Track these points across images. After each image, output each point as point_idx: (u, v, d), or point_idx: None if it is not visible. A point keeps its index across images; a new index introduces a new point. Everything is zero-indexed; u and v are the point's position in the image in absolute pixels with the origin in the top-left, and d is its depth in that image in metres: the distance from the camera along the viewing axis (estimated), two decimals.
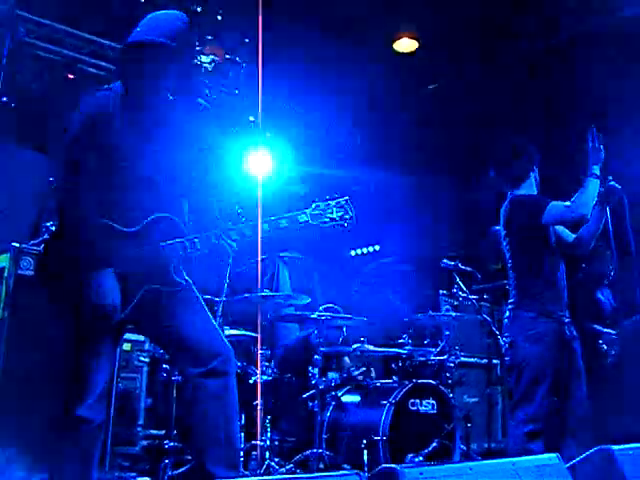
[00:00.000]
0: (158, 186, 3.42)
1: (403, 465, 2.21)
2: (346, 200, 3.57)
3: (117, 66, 3.75)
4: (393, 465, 2.19)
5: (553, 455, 2.95)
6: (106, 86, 3.51)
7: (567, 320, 4.77)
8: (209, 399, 3.28)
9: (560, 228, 4.87)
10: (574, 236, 4.89)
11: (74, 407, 3.27)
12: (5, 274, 5.12)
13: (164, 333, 3.43)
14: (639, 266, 5.41)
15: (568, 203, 4.63)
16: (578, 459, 3.28)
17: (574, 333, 4.81)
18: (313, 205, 3.54)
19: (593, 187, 4.63)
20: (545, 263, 4.75)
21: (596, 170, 4.65)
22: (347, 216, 3.54)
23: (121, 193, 3.36)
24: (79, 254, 3.23)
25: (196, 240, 3.38)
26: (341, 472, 2.02)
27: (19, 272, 5.10)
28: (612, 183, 4.69)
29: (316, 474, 2.46)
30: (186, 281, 3.47)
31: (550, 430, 4.55)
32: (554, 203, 4.67)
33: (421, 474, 2.23)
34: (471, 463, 2.53)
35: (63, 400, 3.35)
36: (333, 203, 3.54)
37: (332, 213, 3.51)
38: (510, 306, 4.87)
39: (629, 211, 4.77)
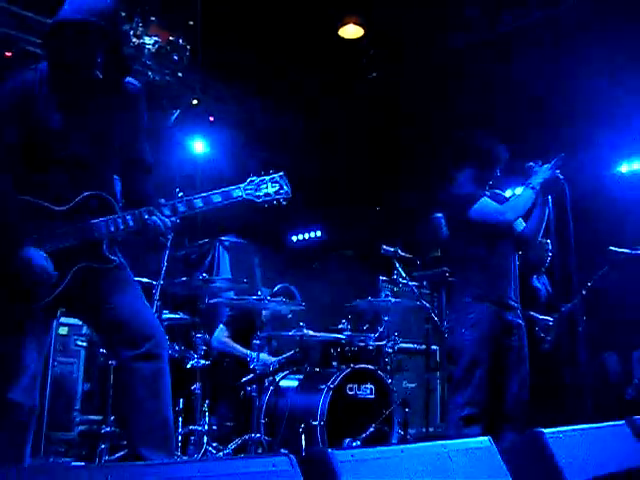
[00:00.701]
0: (89, 165, 3.36)
1: (335, 448, 2.22)
2: (281, 175, 3.55)
3: (44, 45, 3.65)
4: (324, 448, 2.18)
5: (485, 438, 2.97)
6: (32, 66, 3.43)
7: (509, 304, 4.80)
8: (142, 383, 3.23)
9: None
10: (522, 227, 4.92)
11: (4, 391, 3.20)
12: None
13: (96, 314, 3.38)
14: (577, 254, 5.51)
15: (494, 205, 4.68)
16: (510, 442, 3.33)
17: (517, 317, 4.84)
18: (247, 180, 3.50)
19: (528, 197, 4.67)
20: (481, 248, 4.78)
21: (536, 184, 4.69)
22: (282, 191, 3.52)
23: (50, 172, 3.30)
24: (6, 232, 3.17)
25: (128, 217, 3.33)
26: (271, 454, 2.00)
27: None
28: (556, 172, 4.73)
29: (245, 456, 2.45)
30: (120, 261, 3.42)
31: (487, 414, 4.60)
32: (486, 201, 4.70)
33: (352, 456, 2.23)
34: (403, 446, 2.54)
35: None
36: (268, 178, 3.52)
37: (267, 188, 3.49)
38: (451, 292, 4.91)
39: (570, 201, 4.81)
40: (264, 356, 6.25)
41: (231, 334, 6.82)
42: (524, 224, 4.93)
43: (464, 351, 4.66)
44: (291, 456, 2.03)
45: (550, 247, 6.58)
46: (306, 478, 2.03)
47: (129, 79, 3.54)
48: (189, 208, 3.41)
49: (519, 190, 5.00)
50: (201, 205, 3.42)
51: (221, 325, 6.89)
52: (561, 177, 4.74)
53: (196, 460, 1.80)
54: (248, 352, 6.09)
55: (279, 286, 7.05)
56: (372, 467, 2.29)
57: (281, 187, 3.52)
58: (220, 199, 3.45)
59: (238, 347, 6.67)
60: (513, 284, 4.85)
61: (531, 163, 4.82)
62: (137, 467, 1.74)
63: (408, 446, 2.56)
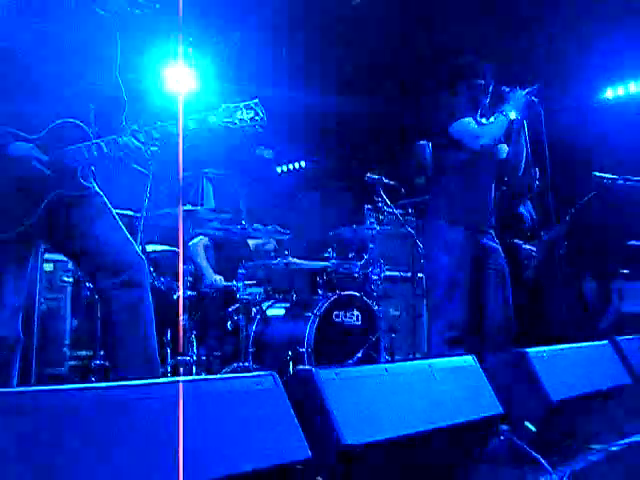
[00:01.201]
0: (62, 92, 3.30)
1: (319, 366, 2.23)
2: (256, 103, 3.50)
3: None
4: (308, 367, 2.20)
5: (469, 357, 3.01)
6: None
7: (484, 229, 4.80)
8: (124, 311, 3.22)
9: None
10: (504, 153, 4.90)
11: None
12: None
13: (73, 244, 3.35)
14: (563, 182, 5.51)
15: (476, 127, 4.64)
16: (494, 361, 3.36)
17: (492, 241, 4.84)
18: (222, 106, 3.46)
19: (501, 123, 4.63)
20: (458, 171, 4.75)
21: (509, 110, 4.64)
22: (257, 117, 3.47)
23: (21, 99, 3.23)
24: None
25: (102, 143, 3.29)
26: (256, 373, 2.01)
27: None
28: (532, 98, 4.69)
29: (229, 376, 2.46)
30: (95, 188, 3.38)
31: (470, 337, 4.63)
32: (467, 121, 4.65)
33: (337, 374, 2.25)
34: (387, 365, 2.56)
35: None
36: (242, 105, 3.48)
37: (242, 114, 3.45)
38: (426, 217, 4.90)
39: (545, 126, 4.78)
40: (250, 284, 6.25)
41: (214, 261, 6.81)
42: (506, 150, 4.91)
43: (441, 274, 4.67)
44: (275, 374, 2.05)
45: (537, 174, 6.56)
46: (290, 396, 2.05)
47: (104, 7, 3.46)
48: (163, 134, 3.37)
49: (494, 117, 4.95)
50: (176, 131, 3.38)
51: (201, 236, 6.84)
52: (536, 100, 4.69)
53: (181, 380, 1.80)
54: (233, 282, 6.07)
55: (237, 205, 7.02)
56: (356, 385, 2.31)
57: (256, 113, 3.48)
58: (195, 125, 3.41)
59: (206, 268, 6.66)
60: (489, 209, 4.85)
61: (506, 88, 4.77)
62: (120, 386, 1.74)
63: (392, 365, 2.58)
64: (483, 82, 4.81)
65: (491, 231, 4.87)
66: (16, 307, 3.26)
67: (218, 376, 2.24)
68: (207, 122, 3.43)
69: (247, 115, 3.46)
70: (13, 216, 3.16)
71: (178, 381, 1.79)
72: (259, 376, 2.04)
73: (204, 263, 6.67)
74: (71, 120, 3.30)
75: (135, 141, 3.31)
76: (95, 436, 1.59)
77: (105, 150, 3.28)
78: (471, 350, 4.46)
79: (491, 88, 4.83)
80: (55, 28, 3.33)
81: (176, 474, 1.64)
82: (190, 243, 6.68)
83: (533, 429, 3.16)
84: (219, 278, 6.45)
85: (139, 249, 3.51)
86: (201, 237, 6.81)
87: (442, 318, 4.64)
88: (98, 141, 3.30)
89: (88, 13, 3.43)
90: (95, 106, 3.48)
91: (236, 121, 3.46)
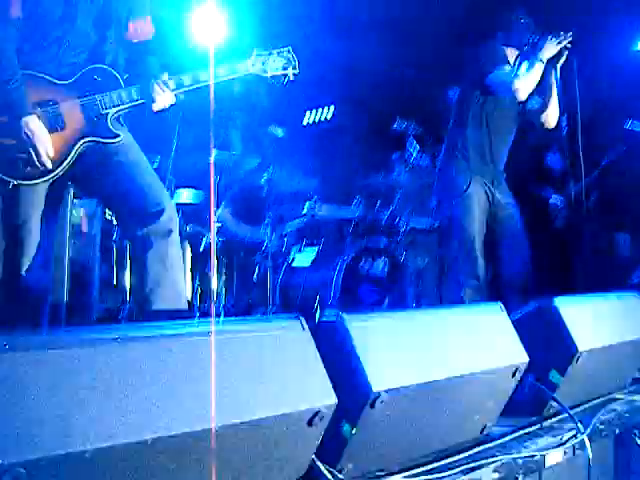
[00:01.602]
0: (93, 37, 3.29)
1: (345, 313, 2.23)
2: (288, 50, 3.47)
3: None
4: (335, 313, 2.20)
5: (496, 305, 2.99)
6: None
7: (499, 179, 4.75)
8: (154, 257, 3.23)
9: None
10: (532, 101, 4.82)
11: (18, 270, 3.22)
12: None
13: (105, 190, 3.36)
14: (594, 135, 5.43)
15: (512, 77, 4.56)
16: (521, 310, 3.35)
17: (506, 192, 4.79)
18: (254, 54, 3.43)
19: (535, 75, 4.55)
20: (481, 122, 4.70)
21: (542, 61, 4.55)
22: (289, 66, 3.46)
23: (52, 45, 3.22)
24: (6, 103, 3.12)
25: (133, 90, 3.28)
26: (283, 317, 2.02)
27: None
28: (565, 46, 4.60)
29: (257, 317, 2.47)
30: (126, 134, 3.38)
31: (488, 287, 4.62)
32: (504, 71, 4.59)
33: (363, 321, 2.25)
34: (414, 311, 2.57)
35: (4, 266, 3.28)
36: (275, 52, 3.45)
37: (274, 62, 3.43)
38: (438, 165, 4.87)
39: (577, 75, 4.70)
40: (278, 232, 6.24)
41: (236, 212, 6.80)
42: (534, 98, 4.83)
43: (456, 225, 4.65)
44: (302, 319, 2.05)
45: (565, 123, 6.46)
46: (317, 340, 2.05)
47: None
48: (194, 81, 3.36)
49: (525, 65, 4.87)
50: (207, 79, 3.36)
51: (222, 205, 6.84)
52: (568, 48, 4.61)
53: (209, 324, 1.81)
54: (261, 230, 6.07)
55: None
56: (383, 332, 2.31)
57: (288, 62, 3.46)
58: (226, 72, 3.39)
59: (243, 226, 6.66)
60: (505, 160, 4.80)
61: (539, 36, 4.68)
62: (148, 325, 1.75)
63: (419, 312, 2.58)
64: (520, 31, 4.73)
65: (504, 182, 4.82)
66: (47, 255, 3.29)
67: (246, 321, 2.24)
68: (238, 70, 3.41)
69: (280, 63, 3.44)
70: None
71: (207, 325, 1.79)
72: (287, 321, 2.04)
73: (244, 228, 6.65)
74: (102, 66, 3.29)
75: (166, 87, 3.29)
76: (128, 378, 1.60)
77: (135, 96, 3.28)
78: (489, 301, 4.48)
79: (527, 36, 4.74)
80: None
81: (206, 417, 1.66)
82: (217, 214, 6.68)
83: (559, 378, 3.15)
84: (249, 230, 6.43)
85: (169, 195, 3.51)
86: (222, 206, 6.79)
87: (459, 268, 4.62)
88: (129, 87, 3.30)
89: None
90: (125, 52, 3.46)
91: (267, 69, 3.43)
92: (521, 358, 2.85)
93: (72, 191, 4.17)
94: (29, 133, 3.09)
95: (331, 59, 9.51)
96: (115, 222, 6.10)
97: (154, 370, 1.63)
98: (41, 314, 3.35)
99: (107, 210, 6.06)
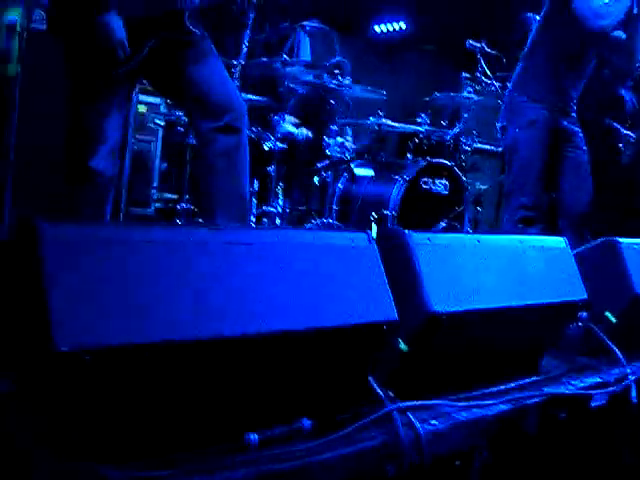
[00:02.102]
0: None
1: (412, 230, 2.21)
2: None
3: None
4: (401, 228, 2.19)
5: (561, 239, 2.95)
6: None
7: (567, 110, 4.62)
8: (220, 154, 3.25)
9: None
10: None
11: (86, 159, 3.24)
12: (17, 27, 4.96)
13: (176, 85, 3.36)
14: None
15: (601, 4, 4.36)
16: (584, 247, 3.30)
17: (573, 125, 4.67)
18: None
19: (623, 5, 4.34)
20: (560, 43, 4.54)
21: None
22: None
23: None
24: None
25: None
26: (350, 230, 2.01)
27: (32, 26, 4.93)
28: None
29: (324, 229, 2.47)
30: (202, 32, 3.35)
31: (546, 219, 4.55)
32: None
33: (429, 240, 2.23)
34: (479, 235, 2.54)
35: (75, 152, 3.32)
36: None
37: None
38: (508, 89, 4.74)
39: None
40: (341, 142, 6.19)
41: (301, 120, 6.75)
42: (621, 34, 4.64)
43: (518, 152, 4.55)
44: (369, 233, 2.04)
45: None
46: (382, 255, 2.04)
47: None
48: None
49: None
50: None
51: (286, 115, 6.80)
52: None
53: (277, 227, 1.81)
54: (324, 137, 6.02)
55: (334, 60, 6.89)
56: (447, 251, 2.30)
57: None
58: None
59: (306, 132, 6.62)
60: (579, 90, 4.66)
61: None
62: (215, 228, 1.76)
63: (485, 236, 2.55)
64: None
65: (574, 114, 4.69)
66: (115, 143, 3.31)
67: (312, 229, 2.24)
68: None
69: None
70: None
71: (276, 229, 1.79)
72: (353, 233, 2.03)
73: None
74: None
75: None
76: (190, 273, 1.62)
77: None
78: (545, 232, 4.41)
79: None
80: None
81: (268, 319, 1.67)
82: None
83: (613, 320, 3.12)
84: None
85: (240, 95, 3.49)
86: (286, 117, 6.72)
87: (517, 197, 4.54)
88: None
89: None
90: None
91: None
92: (580, 295, 2.82)
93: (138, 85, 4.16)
94: (107, 29, 3.07)
95: None
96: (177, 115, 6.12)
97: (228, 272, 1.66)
98: (105, 201, 3.39)
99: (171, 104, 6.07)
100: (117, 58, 3.12)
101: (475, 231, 6.32)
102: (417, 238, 2.20)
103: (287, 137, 5.97)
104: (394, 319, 1.97)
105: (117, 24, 3.10)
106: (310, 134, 6.39)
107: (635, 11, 4.44)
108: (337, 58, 7.05)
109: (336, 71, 6.31)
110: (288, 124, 6.13)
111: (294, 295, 1.76)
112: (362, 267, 1.99)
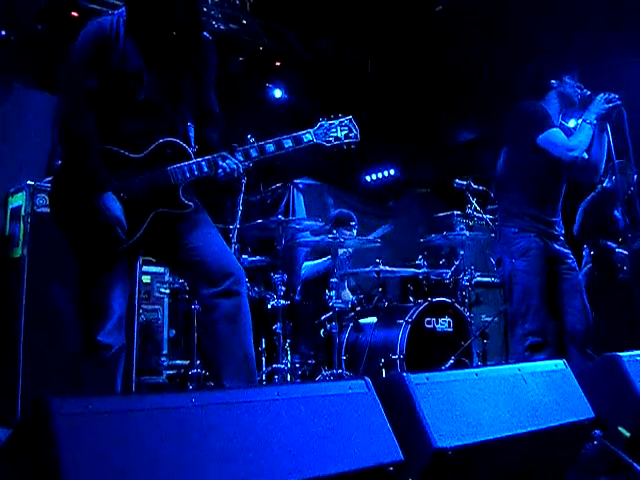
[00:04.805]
0: (163, 112, 3.44)
1: (410, 372, 2.29)
2: (350, 119, 3.59)
3: None
4: (399, 371, 2.26)
5: (560, 361, 3.01)
6: (111, 11, 3.51)
7: (555, 234, 4.75)
8: (222, 319, 3.32)
9: None
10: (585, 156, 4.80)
11: (93, 333, 3.34)
12: (22, 212, 5.22)
13: (176, 255, 3.48)
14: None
15: (566, 139, 4.59)
16: (585, 366, 3.34)
17: (564, 247, 4.79)
18: (317, 124, 3.55)
19: (587, 132, 4.57)
20: (531, 178, 4.72)
21: (592, 119, 4.58)
22: (351, 134, 3.57)
23: (126, 119, 3.38)
24: (84, 180, 3.28)
25: (202, 163, 3.42)
26: (348, 378, 2.09)
27: (36, 210, 5.19)
28: (615, 103, 4.60)
29: (323, 380, 2.53)
30: (196, 204, 3.52)
31: (551, 342, 4.60)
32: (557, 132, 4.61)
33: (427, 379, 2.31)
34: (477, 369, 2.60)
35: (82, 327, 3.43)
36: (337, 122, 3.57)
37: (336, 132, 3.55)
38: (497, 222, 4.89)
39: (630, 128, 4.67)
40: (342, 294, 6.33)
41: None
42: (586, 154, 4.81)
43: (516, 281, 4.65)
44: (367, 379, 2.12)
45: (635, 179, 6.38)
46: (382, 400, 2.11)
47: (203, 29, 3.60)
48: (261, 153, 3.48)
49: (572, 122, 4.89)
50: (273, 150, 3.48)
51: (304, 264, 6.96)
52: (616, 96, 4.59)
53: (275, 384, 1.89)
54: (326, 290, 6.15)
55: (335, 212, 7.12)
56: (447, 389, 2.36)
57: (350, 130, 3.58)
58: (291, 144, 3.51)
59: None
60: (559, 214, 4.81)
61: (587, 92, 4.71)
62: (219, 391, 1.84)
63: (482, 369, 2.62)
64: (570, 86, 4.76)
65: (561, 237, 4.83)
66: (121, 315, 3.43)
67: (313, 382, 2.31)
68: (303, 140, 3.52)
69: (342, 133, 3.56)
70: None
71: (275, 386, 1.87)
72: (352, 381, 2.11)
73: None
74: (173, 139, 3.44)
75: (234, 160, 3.43)
76: (199, 434, 1.69)
77: (205, 169, 3.41)
78: (553, 356, 4.46)
79: (576, 91, 4.77)
80: (162, 51, 3.47)
81: (275, 473, 1.73)
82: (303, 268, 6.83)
83: (627, 434, 3.13)
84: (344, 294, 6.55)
85: (237, 260, 3.62)
86: (304, 265, 6.92)
87: (520, 326, 4.61)
88: (198, 160, 3.43)
89: (194, 39, 3.56)
90: (195, 124, 3.61)
91: (331, 139, 3.55)
92: (586, 414, 2.85)
93: (141, 257, 4.34)
94: (104, 209, 3.25)
95: (390, 123, 9.69)
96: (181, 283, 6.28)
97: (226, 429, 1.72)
98: (115, 372, 3.46)
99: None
100: (116, 238, 3.28)
101: (484, 364, 6.34)
102: (416, 379, 2.27)
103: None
104: (399, 459, 2.02)
105: (115, 205, 3.27)
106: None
107: (597, 130, 4.64)
108: (337, 212, 7.26)
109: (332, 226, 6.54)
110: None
111: (299, 447, 1.83)
112: (363, 412, 2.06)
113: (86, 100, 3.33)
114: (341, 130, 3.56)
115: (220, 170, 3.42)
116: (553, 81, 4.76)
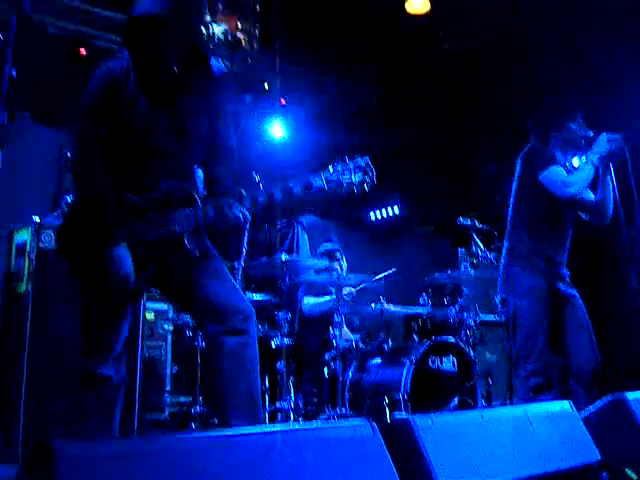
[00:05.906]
0: (172, 155, 3.43)
1: (415, 414, 2.28)
2: (367, 162, 3.35)
3: (123, 40, 3.68)
4: (405, 414, 2.25)
5: (565, 403, 3.00)
6: (117, 54, 3.51)
7: (560, 274, 4.75)
8: (227, 356, 3.28)
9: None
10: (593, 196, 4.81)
11: (94, 366, 3.34)
12: (27, 248, 5.23)
13: (182, 294, 3.48)
14: None
15: (566, 175, 4.61)
16: (591, 407, 3.32)
17: (569, 287, 4.78)
18: (330, 169, 3.35)
19: (588, 172, 4.59)
20: (536, 217, 4.73)
21: (595, 159, 4.61)
22: (367, 178, 3.34)
23: (134, 164, 3.37)
24: (96, 228, 3.26)
25: (209, 209, 3.36)
26: (352, 421, 2.08)
27: (40, 246, 5.19)
28: (618, 144, 4.60)
29: (326, 423, 2.52)
30: (204, 240, 3.50)
31: (556, 383, 4.58)
32: (558, 168, 4.64)
33: (432, 422, 2.30)
34: (482, 411, 2.59)
35: (83, 360, 3.42)
36: (352, 166, 3.34)
37: (351, 177, 3.32)
38: (501, 262, 4.89)
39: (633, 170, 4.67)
40: (346, 332, 6.32)
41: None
42: (592, 194, 4.82)
43: (521, 321, 4.64)
44: (372, 422, 2.10)
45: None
46: (387, 443, 2.10)
47: (213, 62, 3.57)
48: (269, 200, 3.40)
49: (576, 161, 4.92)
50: (281, 197, 3.38)
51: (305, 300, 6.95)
52: (621, 145, 4.59)
53: (278, 429, 1.87)
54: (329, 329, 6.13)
55: (321, 248, 7.13)
56: (453, 432, 2.35)
57: (365, 173, 3.33)
58: (301, 191, 3.37)
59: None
60: (565, 254, 4.81)
61: (591, 132, 4.73)
62: (220, 435, 1.83)
63: (488, 411, 2.61)
64: (573, 132, 4.79)
65: (567, 278, 4.83)
66: (121, 350, 3.42)
67: (315, 424, 2.29)
68: (314, 186, 3.36)
69: (356, 177, 3.33)
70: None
71: (276, 430, 1.86)
72: (356, 423, 2.10)
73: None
74: (181, 185, 3.43)
75: (241, 207, 3.38)
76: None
77: (211, 216, 3.38)
78: (559, 397, 4.43)
79: (580, 134, 4.79)
80: (169, 92, 3.48)
81: None
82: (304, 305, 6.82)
83: (634, 477, 3.10)
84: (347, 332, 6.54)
85: (246, 299, 3.59)
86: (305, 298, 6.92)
87: (524, 367, 4.60)
88: (205, 207, 3.39)
89: (202, 71, 3.57)
90: (207, 160, 3.60)
91: (344, 183, 3.34)
92: (592, 456, 2.83)
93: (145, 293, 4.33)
94: (117, 261, 3.23)
95: (395, 160, 9.70)
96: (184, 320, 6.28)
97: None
98: (115, 407, 3.45)
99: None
100: (125, 288, 3.28)
101: (489, 404, 6.31)
102: (421, 421, 2.26)
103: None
104: None
105: (127, 258, 3.25)
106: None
107: (601, 172, 4.65)
108: (332, 246, 7.26)
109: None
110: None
111: None
112: (368, 456, 2.04)
113: (99, 148, 3.33)
114: (355, 174, 3.33)
115: (227, 217, 3.37)
116: (555, 133, 4.81)
